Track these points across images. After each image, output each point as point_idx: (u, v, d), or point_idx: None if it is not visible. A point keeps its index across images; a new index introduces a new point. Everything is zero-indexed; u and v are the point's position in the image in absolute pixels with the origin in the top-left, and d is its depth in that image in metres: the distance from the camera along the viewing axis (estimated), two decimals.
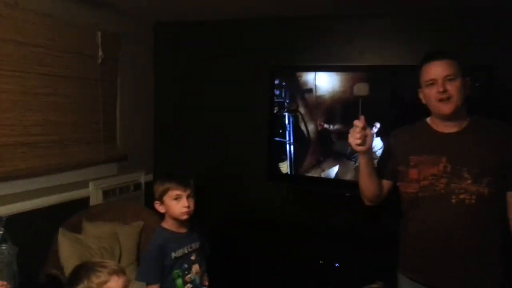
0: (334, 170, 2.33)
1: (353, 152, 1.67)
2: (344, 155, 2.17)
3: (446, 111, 1.66)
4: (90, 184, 2.93)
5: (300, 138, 2.15)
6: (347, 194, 2.75)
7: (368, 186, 1.79)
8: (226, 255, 2.88)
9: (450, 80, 1.64)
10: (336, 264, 2.74)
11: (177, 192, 1.85)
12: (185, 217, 1.86)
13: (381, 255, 2.60)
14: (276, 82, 2.26)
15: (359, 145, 1.65)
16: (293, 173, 2.50)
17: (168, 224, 1.90)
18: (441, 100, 1.65)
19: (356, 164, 2.36)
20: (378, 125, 2.49)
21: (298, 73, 2.34)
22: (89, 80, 2.86)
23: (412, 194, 1.74)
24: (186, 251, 1.89)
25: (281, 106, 2.14)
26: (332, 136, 2.26)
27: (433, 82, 1.67)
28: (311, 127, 2.14)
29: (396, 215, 1.94)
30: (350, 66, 2.65)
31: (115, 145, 3.16)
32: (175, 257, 1.84)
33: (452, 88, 1.64)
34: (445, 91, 1.64)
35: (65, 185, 2.73)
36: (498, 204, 1.67)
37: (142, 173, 3.44)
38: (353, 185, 2.60)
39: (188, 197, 1.86)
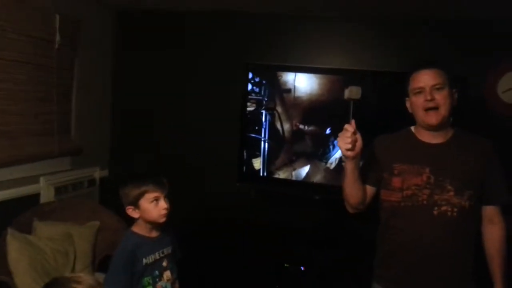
0: (305, 170, 2.35)
1: (345, 157, 1.61)
2: (316, 156, 2.20)
3: (432, 122, 1.66)
4: (41, 179, 2.69)
5: (275, 136, 2.17)
6: (316, 197, 2.76)
7: (353, 192, 1.75)
8: (192, 259, 2.76)
9: (438, 89, 1.64)
10: (302, 268, 2.71)
11: (155, 194, 1.72)
12: (163, 219, 1.75)
13: (347, 259, 2.63)
14: (256, 80, 2.26)
15: (349, 150, 1.61)
16: (265, 172, 2.51)
17: (139, 228, 1.76)
18: (428, 109, 1.65)
19: (327, 165, 2.34)
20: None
21: (279, 73, 2.34)
22: (43, 67, 2.61)
23: (395, 203, 1.72)
24: (157, 257, 1.76)
25: (259, 103, 2.14)
26: (306, 137, 2.28)
27: (420, 91, 1.66)
28: (286, 126, 2.16)
29: (365, 220, 1.94)
30: (328, 69, 2.62)
31: (69, 137, 2.93)
32: (146, 263, 1.72)
33: (440, 97, 1.64)
34: (432, 99, 1.63)
35: (13, 180, 2.48)
36: (476, 218, 1.71)
37: (97, 168, 3.23)
38: (323, 188, 2.67)
39: (165, 197, 1.75)
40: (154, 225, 1.77)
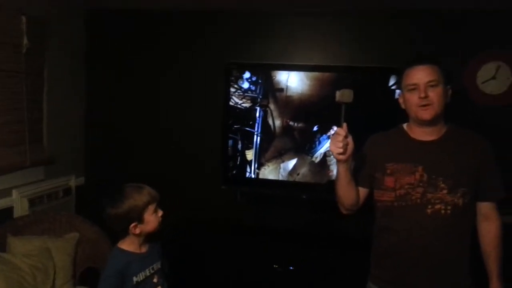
0: (292, 163, 2.52)
1: (338, 161, 1.57)
2: (303, 151, 2.38)
3: (425, 117, 1.63)
4: (14, 192, 2.55)
5: (266, 130, 2.34)
6: (303, 197, 2.73)
7: (347, 194, 1.72)
8: (179, 267, 2.68)
9: (432, 86, 1.62)
10: (291, 268, 2.67)
11: (155, 203, 1.69)
12: (160, 227, 1.71)
13: (336, 259, 2.61)
14: (253, 79, 2.40)
15: (340, 153, 1.56)
16: (256, 163, 2.58)
17: (128, 245, 1.67)
18: (421, 105, 1.62)
19: (312, 159, 2.46)
20: (335, 128, 2.49)
21: (273, 72, 2.45)
22: (11, 72, 2.46)
23: (388, 202, 1.70)
24: (148, 274, 1.68)
25: (254, 100, 2.31)
26: (294, 132, 2.44)
27: (415, 87, 1.64)
28: (277, 122, 2.33)
29: (353, 219, 1.91)
30: (310, 66, 2.61)
31: (41, 146, 2.78)
32: (137, 282, 1.63)
33: (434, 94, 1.62)
34: (426, 97, 1.61)
35: None
36: (470, 215, 1.70)
37: (72, 176, 3.09)
38: (309, 187, 2.67)
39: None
40: (142, 239, 1.69)
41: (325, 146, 2.41)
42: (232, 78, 2.65)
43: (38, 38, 2.62)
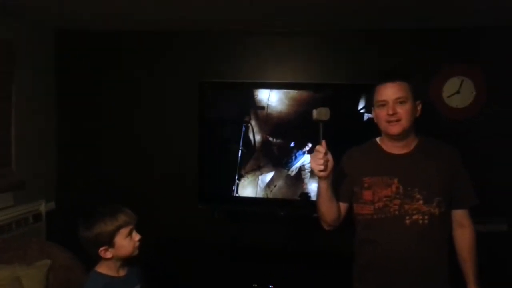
0: (270, 175, 2.67)
1: (319, 178, 1.60)
2: (280, 164, 2.56)
3: (393, 132, 1.69)
4: None
5: (247, 145, 2.50)
6: (281, 214, 2.73)
7: (329, 210, 1.74)
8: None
9: (400, 103, 1.68)
10: (270, 286, 2.65)
11: (130, 227, 1.61)
12: (137, 251, 1.64)
13: (316, 275, 2.61)
14: (236, 96, 2.59)
15: (322, 170, 1.59)
16: (232, 187, 2.68)
17: (105, 268, 1.61)
18: (389, 121, 1.68)
19: (288, 172, 2.60)
20: (310, 145, 2.55)
21: (255, 91, 2.59)
22: None
23: (368, 216, 1.73)
24: None
25: (236, 117, 2.54)
26: (273, 147, 2.61)
27: (384, 104, 1.70)
28: (258, 137, 2.50)
29: (332, 234, 1.92)
30: (284, 84, 2.69)
31: (10, 170, 2.69)
32: None
33: (402, 111, 1.67)
34: (394, 113, 1.67)
35: None
36: (447, 224, 1.75)
37: (42, 201, 2.98)
38: (287, 204, 2.72)
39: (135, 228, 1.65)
40: (120, 262, 1.64)
41: (300, 160, 2.54)
42: (209, 95, 2.73)
43: (5, 60, 2.56)
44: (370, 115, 1.84)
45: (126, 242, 1.60)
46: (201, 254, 2.81)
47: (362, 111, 2.60)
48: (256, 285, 2.66)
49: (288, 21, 2.69)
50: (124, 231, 1.59)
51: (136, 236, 1.63)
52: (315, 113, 1.58)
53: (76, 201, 3.05)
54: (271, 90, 2.60)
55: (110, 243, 1.58)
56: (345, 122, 2.48)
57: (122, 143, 3.11)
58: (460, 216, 1.76)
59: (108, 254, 1.60)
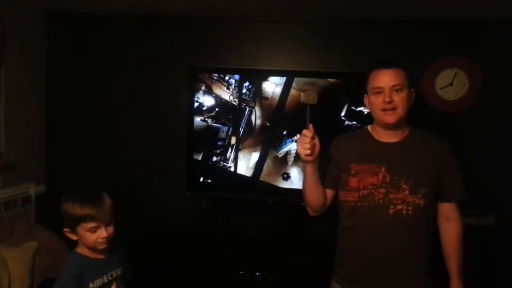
0: (262, 153, 2.91)
1: (305, 162, 1.60)
2: (272, 146, 2.84)
3: (389, 121, 1.66)
4: None
5: (249, 125, 2.83)
6: (269, 201, 2.74)
7: (314, 195, 1.73)
8: (144, 276, 2.62)
9: (397, 90, 1.65)
10: (257, 273, 2.66)
11: (93, 224, 1.56)
12: (102, 246, 1.60)
13: (303, 263, 2.61)
14: (246, 84, 2.81)
15: (308, 155, 1.57)
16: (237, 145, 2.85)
17: (83, 250, 1.61)
18: (385, 109, 1.65)
19: (277, 154, 2.82)
20: (298, 135, 2.60)
21: (264, 81, 2.83)
22: None
23: (352, 203, 1.71)
24: (106, 280, 1.62)
25: (247, 102, 2.82)
26: (269, 132, 2.87)
27: (380, 91, 1.66)
28: (258, 121, 2.82)
29: (319, 221, 1.92)
30: (274, 71, 2.74)
31: None
32: None
33: (398, 99, 1.64)
34: (391, 101, 1.64)
35: None
36: (431, 216, 1.73)
37: (31, 184, 2.97)
38: (275, 191, 2.78)
39: (106, 225, 1.59)
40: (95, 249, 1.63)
41: (288, 146, 2.82)
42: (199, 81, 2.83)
43: None
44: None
45: (87, 235, 1.57)
46: (187, 241, 2.81)
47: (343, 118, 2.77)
48: (242, 272, 2.66)
49: (285, 9, 2.68)
50: (86, 225, 1.56)
51: (102, 234, 1.57)
52: (303, 96, 1.57)
53: (67, 185, 3.04)
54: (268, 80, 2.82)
55: (72, 229, 1.58)
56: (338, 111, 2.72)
57: (112, 127, 3.08)
58: (447, 209, 1.74)
59: (72, 237, 1.60)
